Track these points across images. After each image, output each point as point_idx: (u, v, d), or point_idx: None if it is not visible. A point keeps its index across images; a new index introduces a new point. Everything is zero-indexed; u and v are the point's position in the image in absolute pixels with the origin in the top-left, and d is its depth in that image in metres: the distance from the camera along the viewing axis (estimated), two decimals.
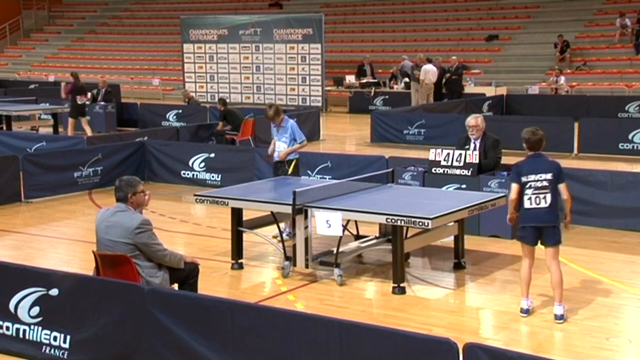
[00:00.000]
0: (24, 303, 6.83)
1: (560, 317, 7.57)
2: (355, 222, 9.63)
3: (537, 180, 7.62)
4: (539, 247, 7.75)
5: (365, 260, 9.78)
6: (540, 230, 7.62)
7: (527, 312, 7.71)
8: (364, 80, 27.51)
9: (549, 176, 7.62)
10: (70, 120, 20.05)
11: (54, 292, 6.71)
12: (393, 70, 28.21)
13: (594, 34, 28.83)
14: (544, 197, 7.59)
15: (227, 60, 30.16)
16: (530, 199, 7.61)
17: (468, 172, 10.75)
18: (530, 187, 7.61)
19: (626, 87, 25.54)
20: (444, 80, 25.32)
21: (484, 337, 7.34)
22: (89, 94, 20.75)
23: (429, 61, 25.18)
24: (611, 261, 9.71)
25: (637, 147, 17.36)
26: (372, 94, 26.55)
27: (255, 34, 29.45)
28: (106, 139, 16.32)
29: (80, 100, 19.98)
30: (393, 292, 8.46)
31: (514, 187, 7.72)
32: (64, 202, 13.51)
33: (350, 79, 27.85)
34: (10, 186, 13.19)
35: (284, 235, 9.68)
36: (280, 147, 10.83)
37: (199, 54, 30.73)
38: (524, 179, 7.64)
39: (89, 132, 20.02)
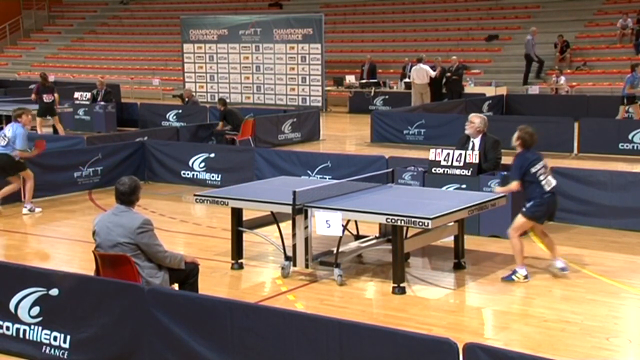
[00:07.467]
0: (24, 303, 6.83)
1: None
2: (355, 222, 9.62)
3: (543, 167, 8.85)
4: None
5: (365, 260, 9.77)
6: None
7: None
8: (364, 81, 27.49)
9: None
10: (38, 119, 19.94)
11: (54, 292, 6.71)
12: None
13: (594, 34, 28.81)
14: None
15: (227, 60, 30.14)
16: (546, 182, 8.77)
17: (468, 172, 10.74)
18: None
19: None
20: (444, 80, 25.30)
21: (484, 337, 7.34)
22: (56, 95, 20.47)
23: (419, 61, 25.09)
24: (611, 261, 9.71)
25: (637, 147, 17.36)
26: (372, 94, 26.54)
27: (255, 34, 29.44)
28: (106, 139, 16.31)
29: (47, 98, 19.91)
30: (393, 292, 8.46)
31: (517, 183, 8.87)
32: (64, 202, 13.51)
33: (350, 79, 27.82)
34: None
35: None
36: None
37: (199, 54, 30.72)
38: (532, 170, 8.68)
39: (61, 131, 20.00)
